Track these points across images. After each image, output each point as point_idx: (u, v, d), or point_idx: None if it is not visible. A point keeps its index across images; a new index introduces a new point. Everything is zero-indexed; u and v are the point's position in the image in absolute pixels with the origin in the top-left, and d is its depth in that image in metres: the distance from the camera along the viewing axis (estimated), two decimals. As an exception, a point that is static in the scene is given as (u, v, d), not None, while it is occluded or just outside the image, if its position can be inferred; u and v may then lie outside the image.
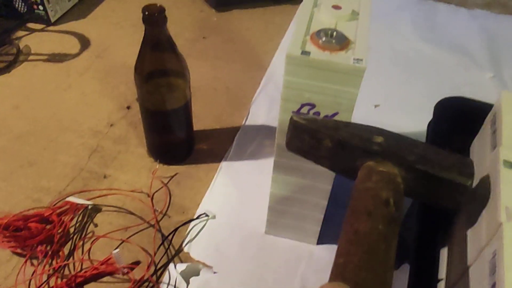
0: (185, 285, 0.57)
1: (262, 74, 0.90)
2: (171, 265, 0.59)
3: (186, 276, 0.58)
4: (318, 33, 0.45)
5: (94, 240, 0.61)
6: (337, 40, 0.44)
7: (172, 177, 0.70)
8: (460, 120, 0.47)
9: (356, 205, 0.33)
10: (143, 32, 0.57)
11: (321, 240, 0.62)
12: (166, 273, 0.58)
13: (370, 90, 0.86)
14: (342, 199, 0.57)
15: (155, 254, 0.60)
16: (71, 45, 0.95)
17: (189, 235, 0.63)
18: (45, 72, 0.88)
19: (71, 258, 0.59)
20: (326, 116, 0.47)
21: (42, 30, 0.98)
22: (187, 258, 0.60)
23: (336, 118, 0.46)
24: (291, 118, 0.38)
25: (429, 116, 0.58)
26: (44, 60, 0.91)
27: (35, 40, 0.96)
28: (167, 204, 0.66)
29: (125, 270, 0.57)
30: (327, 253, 0.62)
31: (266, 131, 0.78)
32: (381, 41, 1.01)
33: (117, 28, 1.01)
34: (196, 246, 0.62)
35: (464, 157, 0.36)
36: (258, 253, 0.62)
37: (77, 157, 0.72)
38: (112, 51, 0.94)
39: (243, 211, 0.66)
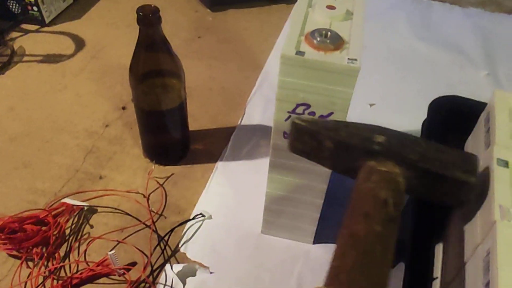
0: (182, 285, 0.57)
1: (257, 74, 0.90)
2: (168, 266, 0.59)
3: (183, 276, 0.58)
4: (313, 33, 0.45)
5: (90, 242, 0.61)
6: (331, 40, 0.44)
7: (168, 177, 0.70)
8: (454, 118, 0.47)
9: (354, 206, 0.33)
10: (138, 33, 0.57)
11: (317, 240, 0.62)
12: (163, 274, 0.58)
13: (366, 89, 0.86)
14: (338, 198, 0.58)
15: (151, 254, 0.60)
16: (66, 45, 0.94)
17: (185, 236, 0.63)
18: (40, 73, 0.88)
19: (67, 260, 0.59)
20: (321, 116, 0.47)
21: (36, 31, 0.98)
22: (184, 259, 0.60)
23: (331, 117, 0.46)
24: (293, 121, 0.39)
25: (424, 115, 0.59)
26: (38, 61, 0.90)
27: (29, 41, 0.95)
28: (163, 205, 0.66)
29: (121, 271, 0.57)
30: (324, 252, 0.62)
31: (261, 131, 0.78)
32: (377, 40, 1.01)
33: (112, 28, 1.00)
34: (193, 247, 0.62)
35: (468, 154, 0.36)
36: (255, 253, 0.62)
37: (72, 158, 0.72)
38: (107, 51, 0.94)
39: (239, 211, 0.66)
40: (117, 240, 0.61)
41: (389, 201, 0.31)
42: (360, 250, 0.29)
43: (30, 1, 0.94)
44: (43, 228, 0.61)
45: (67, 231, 0.62)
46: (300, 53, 0.43)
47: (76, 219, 0.64)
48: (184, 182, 0.70)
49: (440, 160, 0.34)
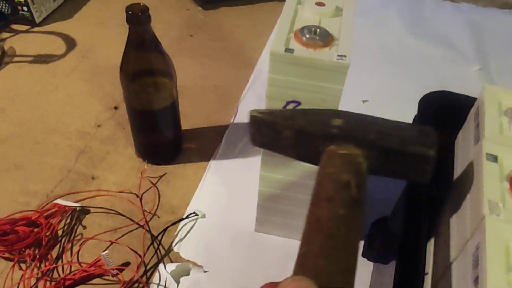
0: (175, 285, 0.57)
1: (250, 72, 0.90)
2: (161, 265, 0.58)
3: (176, 276, 0.58)
4: (302, 30, 0.45)
5: (82, 242, 0.61)
6: (320, 37, 0.44)
7: (161, 177, 0.70)
8: (444, 114, 0.47)
9: (317, 191, 0.32)
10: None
11: (311, 237, 0.62)
12: (156, 274, 0.58)
13: (358, 86, 0.87)
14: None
15: (144, 254, 0.60)
16: (57, 46, 0.94)
17: (178, 235, 0.63)
18: (31, 74, 0.87)
19: (60, 261, 0.59)
20: (311, 113, 0.47)
21: (27, 31, 0.97)
22: (177, 258, 0.60)
23: (322, 114, 0.46)
24: (250, 114, 0.38)
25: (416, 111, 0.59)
26: (29, 62, 0.90)
27: (20, 41, 0.94)
28: (156, 204, 0.66)
29: (115, 272, 0.57)
30: (317, 249, 0.62)
31: (254, 129, 0.77)
32: (369, 36, 1.01)
33: (102, 28, 1.00)
34: (186, 246, 0.61)
35: (424, 127, 0.35)
36: (248, 251, 0.62)
37: (64, 159, 0.72)
38: (98, 51, 0.93)
39: (232, 209, 0.66)
40: (110, 241, 0.61)
41: (352, 183, 0.31)
42: (325, 235, 0.29)
43: (20, 1, 0.94)
44: (35, 229, 0.60)
45: (60, 232, 0.62)
46: (289, 50, 0.43)
47: (68, 220, 0.63)
48: (177, 181, 0.69)
49: (399, 137, 0.34)
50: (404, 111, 0.63)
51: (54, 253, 0.59)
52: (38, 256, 0.58)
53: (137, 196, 0.67)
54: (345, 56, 0.42)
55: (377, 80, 0.90)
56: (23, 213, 0.63)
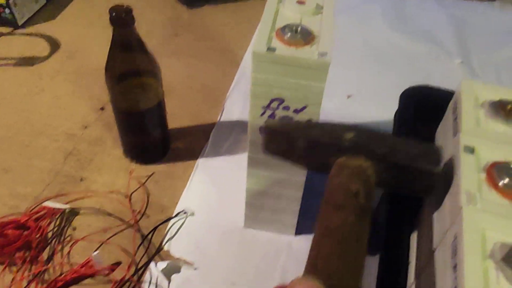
0: (167, 282, 0.58)
1: (235, 70, 0.90)
2: (152, 264, 0.59)
3: (167, 273, 0.58)
4: (283, 29, 0.45)
5: (73, 244, 0.61)
6: (302, 35, 0.45)
7: (150, 176, 0.70)
8: (425, 108, 0.49)
9: (328, 200, 0.34)
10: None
11: (299, 231, 0.63)
12: (147, 272, 0.59)
13: (343, 81, 0.88)
14: (318, 190, 0.59)
15: (135, 254, 0.60)
16: (41, 48, 0.93)
17: (168, 233, 0.63)
18: (16, 77, 0.87)
19: (51, 263, 0.59)
20: (295, 110, 0.48)
21: (10, 33, 0.97)
22: (168, 256, 0.61)
23: (305, 111, 0.47)
24: (265, 123, 0.41)
25: (399, 105, 0.60)
26: (14, 64, 0.89)
27: (3, 44, 0.94)
28: (146, 204, 0.67)
29: (106, 272, 0.57)
30: (306, 243, 0.63)
31: (241, 127, 0.78)
32: (353, 32, 1.02)
33: (87, 28, 0.99)
34: (176, 244, 0.62)
35: (432, 145, 0.38)
36: (238, 247, 0.63)
37: (52, 161, 0.72)
38: (83, 52, 0.93)
39: (221, 206, 0.67)
40: (100, 241, 0.61)
41: (360, 193, 0.33)
42: (335, 240, 0.30)
43: (2, 4, 0.93)
44: (25, 232, 0.61)
45: (50, 235, 0.62)
46: (271, 49, 0.43)
47: (58, 222, 0.64)
48: (166, 180, 0.70)
49: (407, 152, 0.36)
50: (388, 106, 0.65)
51: (45, 255, 0.60)
52: (28, 259, 0.58)
53: (126, 196, 0.67)
54: (326, 54, 0.43)
55: (361, 76, 0.91)
56: (12, 216, 0.63)
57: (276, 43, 0.45)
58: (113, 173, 0.70)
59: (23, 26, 0.98)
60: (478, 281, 0.29)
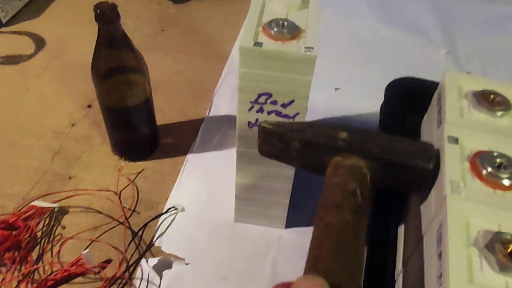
0: (158, 278, 0.58)
1: (223, 65, 0.90)
2: (143, 260, 0.59)
3: (159, 269, 0.59)
4: (270, 23, 0.45)
5: (62, 243, 0.61)
6: (288, 30, 0.45)
7: (139, 173, 0.70)
8: (410, 100, 0.49)
9: (325, 199, 0.35)
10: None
11: (289, 224, 0.64)
12: (139, 269, 0.59)
13: (330, 74, 0.88)
14: (306, 183, 0.59)
15: (126, 251, 0.60)
16: (26, 46, 0.92)
17: (159, 230, 0.63)
18: (1, 76, 0.86)
19: (40, 262, 0.59)
20: (283, 105, 0.48)
21: (-7, 31, 0.95)
22: (159, 252, 0.61)
23: (293, 105, 0.48)
24: (259, 125, 0.41)
25: (386, 97, 0.60)
26: (-2, 63, 0.88)
27: (-13, 42, 0.93)
28: (135, 201, 0.67)
29: (97, 270, 0.57)
30: (296, 236, 0.64)
31: (230, 121, 0.78)
32: (339, 25, 1.02)
33: (72, 26, 0.98)
34: (167, 240, 0.62)
35: (424, 143, 0.39)
36: (229, 241, 0.63)
37: (39, 160, 0.71)
38: (69, 49, 0.92)
39: (211, 201, 0.67)
40: (90, 239, 0.61)
41: (357, 192, 0.33)
42: (335, 239, 0.31)
43: (-16, 1, 0.92)
44: (14, 232, 0.60)
45: (39, 234, 0.62)
46: (258, 44, 0.44)
47: (47, 221, 0.63)
48: (155, 176, 0.70)
49: (400, 150, 0.37)
50: (375, 98, 0.66)
51: (34, 255, 0.59)
52: (18, 259, 0.58)
53: (116, 194, 0.67)
54: (312, 48, 0.43)
55: (349, 68, 0.92)
56: (0, 217, 0.62)
57: (262, 37, 0.45)
58: (101, 171, 0.70)
59: (7, 24, 0.97)
60: (462, 268, 0.30)
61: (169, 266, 0.59)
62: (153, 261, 0.59)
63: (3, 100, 0.81)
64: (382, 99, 0.61)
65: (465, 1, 1.12)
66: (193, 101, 0.82)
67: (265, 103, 0.48)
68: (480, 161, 0.36)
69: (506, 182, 0.35)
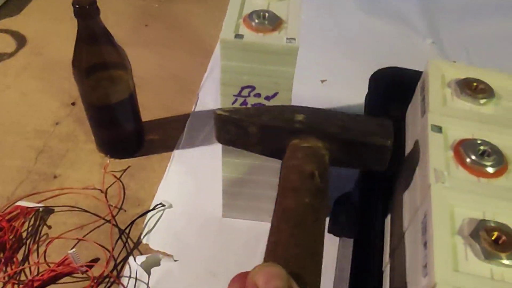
0: (147, 276, 0.58)
1: (208, 59, 0.89)
2: (131, 258, 0.59)
3: (147, 267, 0.58)
4: (251, 15, 0.45)
5: (48, 243, 0.60)
6: (269, 21, 0.44)
7: (125, 170, 0.69)
8: (394, 90, 0.49)
9: (283, 183, 0.34)
10: (78, 26, 0.56)
11: (277, 218, 0.64)
12: (127, 267, 0.58)
13: (316, 66, 0.88)
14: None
15: (113, 249, 0.59)
16: (6, 44, 0.90)
17: (146, 227, 0.63)
18: (-19, 75, 0.84)
19: (26, 263, 0.58)
20: (267, 97, 0.47)
21: (-28, 30, 0.93)
22: (147, 250, 0.60)
23: (277, 98, 0.47)
24: (214, 113, 0.40)
25: (372, 88, 0.60)
26: (-22, 62, 0.86)
27: (-34, 41, 0.91)
28: (122, 198, 0.66)
29: (84, 269, 0.57)
30: (285, 229, 0.64)
31: (216, 116, 0.78)
32: (324, 16, 1.02)
33: (54, 22, 0.97)
34: (155, 237, 0.62)
35: (383, 119, 0.38)
36: (218, 237, 0.63)
37: (23, 159, 0.70)
38: (51, 47, 0.91)
39: (199, 197, 0.67)
40: (77, 238, 0.61)
41: (315, 174, 0.33)
42: (293, 223, 0.30)
43: (-38, -1, 0.90)
44: (-2, 233, 0.59)
45: (24, 234, 0.61)
46: (239, 36, 0.43)
47: (32, 221, 0.62)
48: (142, 173, 0.69)
49: (358, 129, 0.36)
50: (362, 89, 0.65)
51: (20, 256, 0.58)
52: (3, 260, 0.57)
53: (102, 192, 0.66)
54: (294, 39, 0.43)
55: (335, 60, 0.91)
56: (-16, 218, 0.61)
57: (243, 30, 0.44)
58: (87, 169, 0.69)
59: (-14, 22, 0.95)
60: (447, 257, 0.30)
61: (157, 263, 0.59)
62: (141, 258, 0.58)
63: (-16, 100, 0.79)
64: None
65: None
66: (178, 97, 0.82)
67: (249, 96, 0.47)
68: (464, 149, 0.36)
69: (490, 170, 0.35)
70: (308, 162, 0.33)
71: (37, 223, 0.62)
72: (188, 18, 1.00)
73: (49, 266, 0.57)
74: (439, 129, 0.38)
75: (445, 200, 0.33)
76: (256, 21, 0.44)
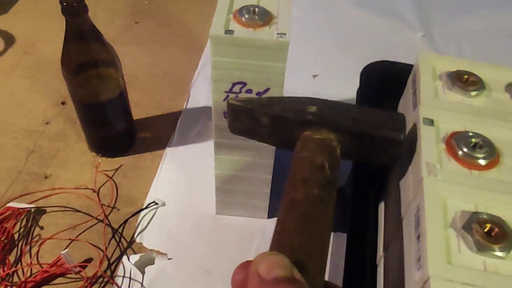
0: (141, 275, 0.57)
1: (199, 56, 0.89)
2: (124, 258, 0.58)
3: (141, 266, 0.58)
4: (241, 10, 0.45)
5: (41, 243, 0.59)
6: (260, 16, 0.44)
7: (117, 169, 0.69)
8: (385, 83, 0.49)
9: (293, 174, 0.33)
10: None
11: (271, 213, 0.64)
12: (120, 267, 0.58)
13: (308, 61, 0.88)
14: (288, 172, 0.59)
15: (106, 248, 0.59)
16: (-6, 43, 0.90)
17: (140, 226, 0.62)
18: (-31, 75, 0.83)
19: (19, 265, 0.57)
20: (258, 93, 0.47)
21: (-41, 29, 0.92)
22: (141, 249, 0.60)
23: (268, 93, 0.47)
24: (228, 102, 0.39)
25: (363, 82, 0.60)
26: (-34, 62, 0.85)
27: (-47, 41, 0.89)
28: (115, 197, 0.65)
29: (77, 269, 0.56)
30: (279, 225, 0.63)
31: (208, 113, 0.77)
32: (316, 11, 1.01)
33: (42, 20, 0.96)
34: (148, 235, 0.61)
35: (395, 113, 0.38)
36: (212, 234, 0.62)
37: (13, 160, 0.69)
38: (40, 45, 0.90)
39: (192, 194, 0.66)
40: (69, 239, 0.60)
41: (325, 166, 0.32)
42: (300, 214, 0.30)
43: None
44: (-11, 235, 0.59)
45: (16, 236, 0.60)
46: (229, 32, 0.43)
47: (24, 223, 0.62)
48: (134, 172, 0.69)
49: (370, 122, 0.36)
50: (353, 83, 0.65)
51: (12, 258, 0.58)
52: (-5, 262, 0.57)
53: (94, 191, 0.66)
54: (285, 34, 0.43)
55: (326, 55, 0.91)
56: (-26, 220, 0.61)
57: (234, 25, 0.44)
58: (78, 169, 0.69)
59: (-27, 21, 0.93)
60: (441, 250, 0.30)
61: (151, 262, 0.58)
62: (135, 257, 0.58)
63: (-28, 100, 0.78)
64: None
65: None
66: (170, 94, 0.81)
67: (240, 92, 0.47)
68: (456, 141, 0.36)
69: (482, 162, 0.35)
70: (319, 153, 0.33)
71: (29, 224, 0.62)
72: (179, 15, 0.99)
73: (42, 267, 0.57)
74: (431, 122, 0.38)
75: (438, 193, 0.33)
76: (246, 16, 0.44)
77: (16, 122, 0.75)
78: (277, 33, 0.43)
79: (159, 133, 0.74)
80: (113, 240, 0.60)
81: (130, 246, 0.60)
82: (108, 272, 0.57)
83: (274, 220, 0.63)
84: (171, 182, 0.68)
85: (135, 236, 0.61)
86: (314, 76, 0.86)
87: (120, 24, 0.96)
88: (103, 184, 0.67)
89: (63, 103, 0.78)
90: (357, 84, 0.63)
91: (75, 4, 0.53)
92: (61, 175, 0.68)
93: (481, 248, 0.30)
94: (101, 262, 0.58)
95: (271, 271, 0.23)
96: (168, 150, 0.72)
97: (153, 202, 0.64)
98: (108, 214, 0.63)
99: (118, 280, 0.56)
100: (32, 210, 0.63)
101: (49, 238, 0.60)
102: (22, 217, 0.62)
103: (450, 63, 0.44)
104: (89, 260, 0.58)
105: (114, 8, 1.00)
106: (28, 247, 0.59)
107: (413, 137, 0.39)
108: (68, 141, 0.72)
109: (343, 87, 0.78)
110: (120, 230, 0.61)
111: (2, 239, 0.59)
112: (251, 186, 0.59)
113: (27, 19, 0.96)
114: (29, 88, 0.81)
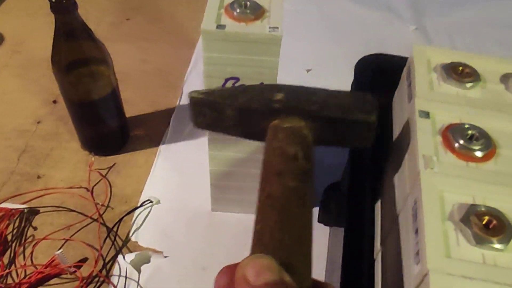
0: (137, 274, 0.57)
1: (192, 52, 0.88)
2: (120, 257, 0.58)
3: (137, 264, 0.57)
4: (232, 4, 0.44)
5: (35, 244, 0.59)
6: (251, 10, 0.43)
7: (111, 167, 0.68)
8: (380, 76, 0.48)
9: (265, 167, 0.32)
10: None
11: (267, 209, 0.63)
12: (116, 266, 0.57)
13: (301, 55, 0.87)
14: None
15: (101, 248, 0.58)
16: (-17, 42, 0.88)
17: (135, 224, 0.62)
18: (-43, 75, 0.82)
19: (13, 266, 0.57)
20: (252, 88, 0.46)
21: None
22: (136, 247, 0.59)
23: (262, 88, 0.46)
24: (189, 96, 0.37)
25: (357, 75, 0.60)
26: (-46, 62, 0.84)
27: None
28: (109, 196, 0.65)
29: (72, 269, 0.56)
30: (275, 221, 0.63)
31: (202, 109, 0.77)
32: (308, 4, 1.01)
33: (32, 19, 0.94)
34: (144, 234, 0.61)
35: (365, 94, 0.36)
36: (207, 231, 0.62)
37: (5, 160, 0.68)
38: (30, 44, 0.88)
39: (187, 192, 0.66)
40: (64, 239, 0.59)
41: (299, 155, 0.31)
42: (278, 209, 0.29)
43: None
44: (-18, 237, 0.58)
45: (9, 237, 0.59)
46: (221, 26, 0.42)
47: (17, 223, 0.61)
48: (128, 170, 0.68)
49: (340, 105, 0.34)
50: (347, 77, 0.65)
51: (6, 259, 0.57)
52: (-12, 264, 0.56)
53: (88, 190, 0.65)
54: (277, 28, 0.42)
55: (319, 48, 0.91)
56: (-34, 222, 0.60)
57: (225, 20, 0.43)
58: (71, 168, 0.68)
59: (-39, 20, 0.92)
60: (439, 243, 0.30)
61: (147, 260, 0.58)
62: (131, 256, 0.57)
63: (-38, 101, 0.77)
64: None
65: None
66: (162, 91, 0.80)
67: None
68: (452, 134, 0.36)
69: (478, 154, 0.35)
70: (291, 143, 0.32)
71: (22, 224, 0.61)
72: (170, 11, 0.99)
73: (37, 268, 0.56)
74: (426, 115, 0.38)
75: (435, 186, 0.33)
76: (238, 10, 0.43)
77: (7, 122, 0.74)
78: (269, 27, 0.42)
79: (153, 130, 0.74)
80: (108, 239, 0.60)
81: (125, 245, 0.60)
82: (104, 272, 0.56)
83: (270, 216, 0.63)
84: (165, 179, 0.67)
85: (130, 234, 0.61)
86: (308, 70, 0.86)
87: (110, 21, 0.95)
88: (96, 183, 0.66)
89: (54, 101, 0.77)
90: (351, 78, 0.63)
91: (64, 1, 0.52)
92: (54, 175, 0.67)
93: (479, 241, 0.30)
94: (96, 262, 0.57)
95: (260, 275, 0.22)
96: (162, 148, 0.71)
97: (148, 200, 0.64)
98: (103, 213, 0.62)
99: (114, 280, 0.56)
100: (25, 210, 0.62)
101: (43, 239, 0.59)
102: (15, 218, 0.61)
103: (444, 55, 0.43)
104: (84, 260, 0.58)
105: (105, 5, 0.99)
106: (21, 248, 0.58)
107: (408, 130, 0.39)
108: (61, 140, 0.71)
109: (337, 81, 0.77)
110: (115, 229, 0.61)
111: (-5, 240, 0.58)
112: (246, 182, 0.58)
113: (16, 17, 0.95)
114: (20, 87, 0.80)
